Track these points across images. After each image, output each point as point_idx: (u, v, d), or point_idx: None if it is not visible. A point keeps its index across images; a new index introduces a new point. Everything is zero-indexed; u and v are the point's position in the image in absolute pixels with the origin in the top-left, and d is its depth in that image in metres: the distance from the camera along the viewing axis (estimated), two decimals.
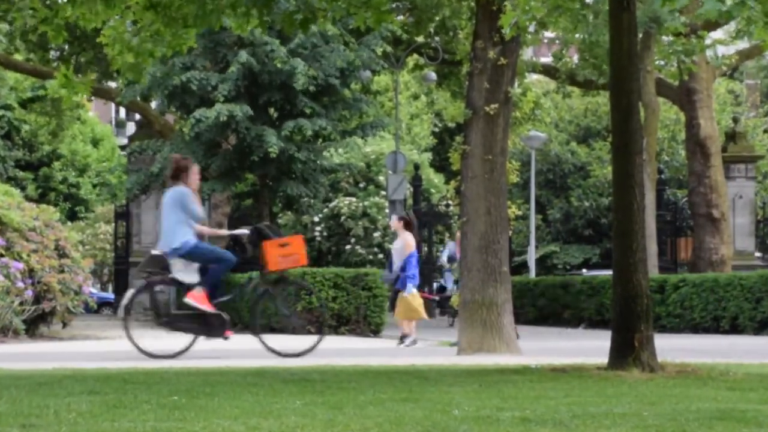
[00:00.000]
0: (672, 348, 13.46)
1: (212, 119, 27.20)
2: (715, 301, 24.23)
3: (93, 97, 40.28)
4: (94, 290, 36.65)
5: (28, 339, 21.08)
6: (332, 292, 22.73)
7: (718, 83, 48.18)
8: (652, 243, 28.54)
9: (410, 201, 40.17)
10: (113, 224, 44.84)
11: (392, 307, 19.59)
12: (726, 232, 33.43)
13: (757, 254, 38.87)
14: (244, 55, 27.50)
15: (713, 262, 32.84)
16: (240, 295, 16.72)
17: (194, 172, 14.46)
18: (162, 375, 10.55)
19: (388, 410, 7.52)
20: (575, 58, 31.77)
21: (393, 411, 7.46)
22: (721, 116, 49.01)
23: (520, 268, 46.54)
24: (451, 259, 28.67)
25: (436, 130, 58.80)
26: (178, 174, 14.30)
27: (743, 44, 34.06)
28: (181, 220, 14.04)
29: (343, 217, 42.61)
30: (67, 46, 35.53)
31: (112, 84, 37.77)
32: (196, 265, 14.45)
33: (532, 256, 38.44)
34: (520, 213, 43.15)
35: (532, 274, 37.68)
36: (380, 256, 42.19)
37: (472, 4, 20.29)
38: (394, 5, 31.58)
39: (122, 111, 70.29)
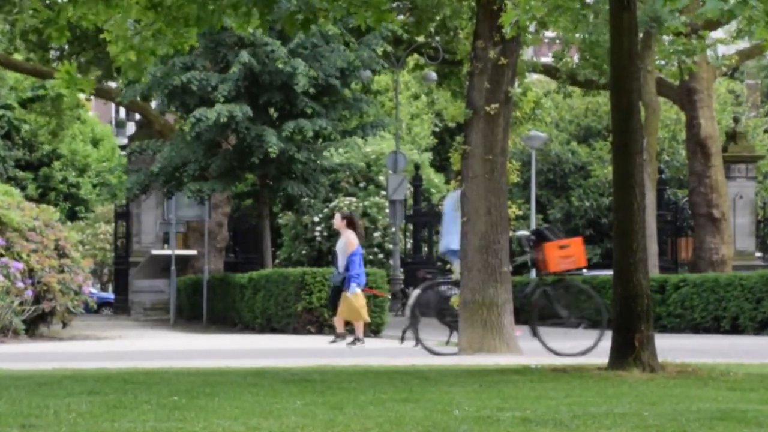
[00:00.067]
0: (672, 348, 13.44)
1: (212, 119, 27.20)
2: (715, 301, 24.21)
3: (93, 97, 40.32)
4: (94, 290, 36.67)
5: (28, 339, 21.08)
6: None
7: (718, 83, 48.17)
8: (653, 243, 28.53)
9: (410, 201, 40.16)
10: (113, 224, 44.88)
11: (333, 308, 19.47)
12: (726, 232, 33.42)
13: (758, 254, 38.89)
14: (245, 56, 27.49)
15: (714, 262, 32.83)
16: (518, 296, 16.74)
17: None
18: (162, 375, 10.54)
19: (388, 410, 7.51)
20: (576, 57, 31.77)
21: (393, 411, 7.46)
22: (721, 116, 49.00)
23: (520, 268, 46.47)
24: None
25: (437, 129, 58.79)
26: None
27: (744, 44, 34.06)
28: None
29: None
30: (67, 46, 35.53)
31: (112, 84, 37.77)
32: None
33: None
34: (520, 213, 43.10)
35: (533, 274, 37.63)
36: (380, 256, 42.19)
37: (473, 3, 20.30)
38: (394, 5, 31.58)
39: (122, 111, 70.30)
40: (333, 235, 43.70)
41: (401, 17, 32.55)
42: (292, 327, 23.75)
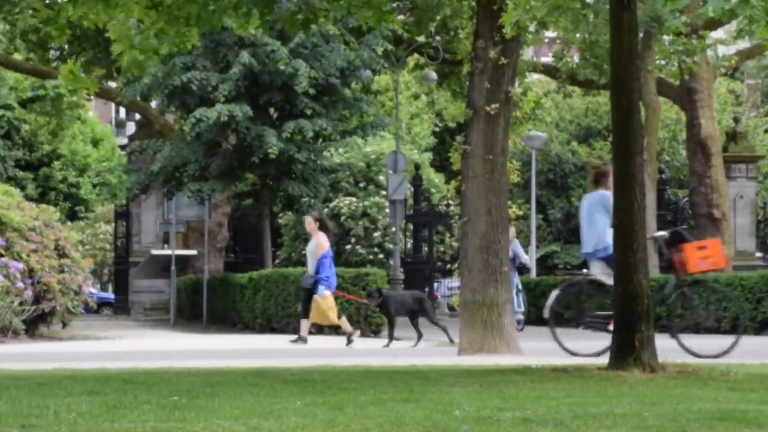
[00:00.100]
0: (673, 348, 13.44)
1: (213, 119, 27.20)
2: (716, 301, 24.20)
3: (93, 97, 40.29)
4: (94, 290, 36.66)
5: (28, 339, 21.07)
6: None
7: (718, 83, 48.18)
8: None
9: (411, 201, 40.17)
10: (113, 224, 44.88)
11: (304, 311, 19.43)
12: (727, 232, 33.40)
13: (758, 254, 38.87)
14: (245, 56, 27.49)
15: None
16: (655, 296, 16.74)
17: (611, 176, 14.76)
18: (162, 375, 10.53)
19: (388, 410, 7.50)
20: (576, 57, 31.76)
21: (394, 411, 7.45)
22: (721, 116, 49.01)
23: (521, 268, 46.50)
24: (512, 260, 26.34)
25: (437, 129, 58.79)
26: (600, 179, 14.65)
27: (744, 44, 34.06)
28: (607, 224, 14.22)
29: (343, 217, 42.60)
30: (67, 46, 35.53)
31: (113, 84, 37.76)
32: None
33: (532, 256, 38.43)
34: (520, 213, 43.17)
35: (533, 274, 37.66)
36: (380, 256, 42.20)
37: (473, 3, 20.30)
38: (394, 5, 31.57)
39: (122, 111, 70.31)
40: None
41: (401, 17, 32.54)
42: (292, 327, 23.73)
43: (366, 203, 42.64)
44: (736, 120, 39.84)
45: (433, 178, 48.73)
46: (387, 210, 38.73)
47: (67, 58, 36.39)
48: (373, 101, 34.39)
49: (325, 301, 18.80)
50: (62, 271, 21.98)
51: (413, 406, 7.80)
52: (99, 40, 33.61)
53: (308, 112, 28.23)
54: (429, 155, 53.74)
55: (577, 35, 24.95)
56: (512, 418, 7.06)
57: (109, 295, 51.53)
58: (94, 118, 63.07)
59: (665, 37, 28.76)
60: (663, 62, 30.37)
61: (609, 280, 14.35)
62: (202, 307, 30.95)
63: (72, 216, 57.04)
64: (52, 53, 36.78)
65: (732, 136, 37.84)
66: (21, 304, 20.65)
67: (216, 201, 33.71)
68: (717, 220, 33.13)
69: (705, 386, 9.40)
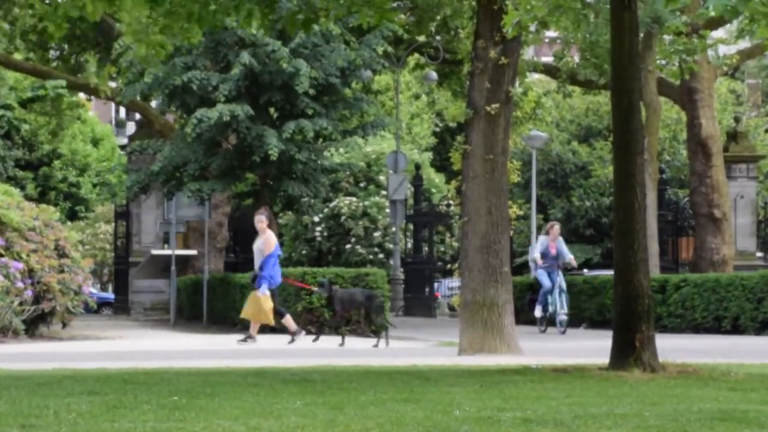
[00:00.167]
0: (673, 348, 13.43)
1: (214, 119, 27.19)
2: (716, 301, 24.20)
3: (93, 97, 40.28)
4: (94, 290, 36.65)
5: (28, 339, 21.06)
6: None
7: (719, 83, 48.16)
8: (654, 243, 28.51)
9: (411, 201, 40.17)
10: (113, 224, 44.85)
11: (279, 312, 19.59)
12: (727, 232, 33.40)
13: (759, 254, 38.85)
14: (246, 56, 27.46)
15: (714, 262, 32.81)
16: None
17: None
18: (162, 375, 10.53)
19: (389, 410, 7.50)
20: (576, 57, 31.75)
21: (394, 411, 7.44)
22: (722, 116, 49.00)
23: (521, 268, 46.52)
24: (544, 255, 24.66)
25: (437, 129, 58.79)
26: None
27: (744, 44, 34.05)
28: None
29: (343, 217, 42.60)
30: (66, 46, 35.51)
31: (113, 84, 37.75)
32: None
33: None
34: (521, 213, 43.16)
35: (533, 274, 37.62)
36: (380, 255, 42.19)
37: (474, 3, 20.29)
38: (395, 4, 31.55)
39: (122, 111, 70.30)
40: (333, 235, 43.78)
41: (402, 17, 32.53)
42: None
43: (366, 203, 42.63)
44: (737, 120, 39.83)
45: (434, 178, 48.74)
46: (387, 210, 38.73)
47: (67, 58, 36.45)
48: (374, 101, 34.35)
49: (266, 300, 19.05)
50: (62, 271, 21.97)
51: (413, 406, 7.79)
52: (99, 40, 33.59)
53: (309, 112, 28.20)
54: (429, 155, 53.74)
55: (578, 35, 24.96)
56: (512, 418, 7.05)
57: (109, 295, 51.50)
58: (94, 118, 63.06)
59: (666, 37, 28.74)
60: (663, 62, 30.36)
61: None
62: (202, 307, 30.92)
63: (72, 216, 57.03)
64: (52, 53, 36.76)
65: (733, 136, 37.82)
66: (21, 304, 20.64)
67: (216, 201, 33.68)
68: (718, 220, 33.12)
69: (705, 386, 9.40)
